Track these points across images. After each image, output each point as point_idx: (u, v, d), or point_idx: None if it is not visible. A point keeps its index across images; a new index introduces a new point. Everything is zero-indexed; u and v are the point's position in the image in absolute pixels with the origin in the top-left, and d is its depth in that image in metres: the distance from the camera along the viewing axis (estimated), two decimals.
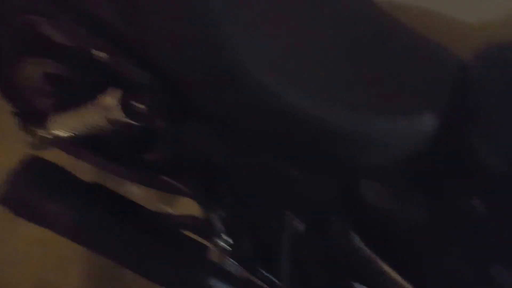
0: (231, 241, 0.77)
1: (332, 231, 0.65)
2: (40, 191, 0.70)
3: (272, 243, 0.77)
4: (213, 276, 0.75)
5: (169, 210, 1.01)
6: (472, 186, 0.50)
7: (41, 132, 0.77)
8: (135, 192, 0.94)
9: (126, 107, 0.53)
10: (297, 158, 0.55)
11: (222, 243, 0.78)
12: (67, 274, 1.17)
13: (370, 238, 0.64)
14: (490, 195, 0.48)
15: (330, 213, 0.63)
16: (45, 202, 0.68)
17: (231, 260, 0.80)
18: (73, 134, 0.72)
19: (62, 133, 0.74)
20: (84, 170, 0.88)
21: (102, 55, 0.54)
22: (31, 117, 0.84)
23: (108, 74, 0.55)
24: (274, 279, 0.81)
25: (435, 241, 0.56)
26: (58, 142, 0.80)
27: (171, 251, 0.74)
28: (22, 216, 0.71)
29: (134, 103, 0.52)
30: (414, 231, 0.59)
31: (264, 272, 0.81)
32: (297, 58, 0.48)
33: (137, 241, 0.72)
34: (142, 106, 0.51)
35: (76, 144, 0.84)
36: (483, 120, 0.47)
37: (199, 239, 0.81)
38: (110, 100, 0.54)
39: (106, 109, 0.55)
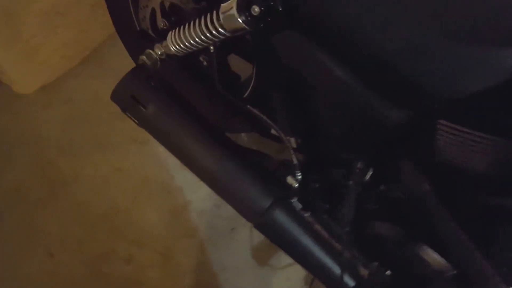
0: (301, 179, 0.88)
1: (403, 175, 0.71)
2: (142, 90, 0.87)
3: (339, 188, 0.86)
4: (279, 208, 0.85)
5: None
6: None
7: (156, 47, 0.95)
8: None
9: (242, 10, 0.67)
10: (383, 84, 0.65)
11: (293, 181, 0.89)
12: (137, 201, 1.39)
13: (442, 190, 0.69)
14: None
15: (401, 156, 0.71)
16: (145, 100, 0.85)
17: (298, 201, 0.91)
18: (180, 50, 0.89)
19: (172, 48, 0.91)
20: None
21: None
22: (150, 35, 1.05)
23: None
24: (335, 225, 0.90)
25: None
26: (165, 61, 0.99)
27: (247, 175, 0.85)
28: (125, 111, 0.90)
29: (250, 7, 0.66)
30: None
31: (326, 217, 0.90)
32: None
33: (215, 152, 0.85)
34: (256, 9, 0.66)
35: (178, 63, 1.02)
36: None
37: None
38: (230, 4, 0.69)
39: (224, 13, 0.70)
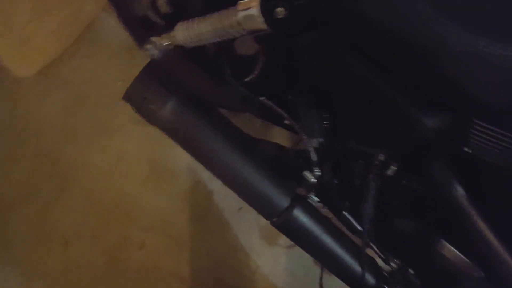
0: (319, 174, 0.84)
1: (432, 175, 0.67)
2: (156, 92, 0.81)
3: (359, 184, 0.82)
4: (297, 207, 0.81)
5: None
6: None
7: (163, 38, 0.87)
8: None
9: (265, 11, 0.59)
10: (415, 83, 0.59)
11: (310, 176, 0.85)
12: (146, 185, 1.35)
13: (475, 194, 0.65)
14: None
15: (433, 156, 0.66)
16: (158, 101, 0.79)
17: (316, 196, 0.87)
18: (191, 42, 0.81)
19: (181, 39, 0.84)
20: None
21: None
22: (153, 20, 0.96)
23: None
24: (355, 222, 0.87)
25: None
26: (173, 51, 0.91)
27: (265, 174, 0.80)
28: (138, 112, 0.83)
29: (274, 7, 0.59)
30: None
31: (346, 213, 0.87)
32: None
33: (231, 152, 0.80)
34: (282, 11, 0.58)
35: (187, 56, 0.94)
36: None
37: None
38: (250, 2, 0.61)
39: (244, 11, 0.62)
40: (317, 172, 0.82)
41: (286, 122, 0.85)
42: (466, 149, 0.60)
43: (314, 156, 0.80)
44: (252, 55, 1.02)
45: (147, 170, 1.39)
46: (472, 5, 0.53)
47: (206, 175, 1.42)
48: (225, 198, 1.40)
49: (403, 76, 0.60)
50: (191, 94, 0.83)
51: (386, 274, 0.82)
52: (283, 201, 0.79)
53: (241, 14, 0.63)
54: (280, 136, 1.24)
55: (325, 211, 0.89)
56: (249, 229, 1.36)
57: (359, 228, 0.84)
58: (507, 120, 0.56)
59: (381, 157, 0.76)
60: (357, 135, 0.78)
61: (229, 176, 0.80)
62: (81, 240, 1.29)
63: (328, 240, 0.80)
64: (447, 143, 0.63)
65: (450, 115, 0.62)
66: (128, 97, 0.78)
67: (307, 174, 0.84)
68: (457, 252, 0.72)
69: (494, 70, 0.52)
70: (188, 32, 0.80)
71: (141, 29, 1.04)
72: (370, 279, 0.80)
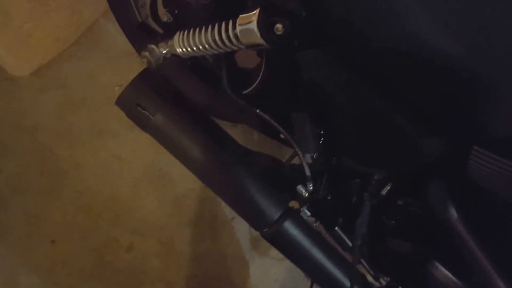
0: (312, 190, 0.83)
1: (428, 198, 0.67)
2: (149, 98, 0.80)
3: (353, 201, 0.82)
4: (288, 220, 0.80)
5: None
6: None
7: (161, 46, 0.86)
8: None
9: (263, 27, 0.59)
10: (420, 104, 0.59)
11: (303, 190, 0.84)
12: (138, 189, 1.34)
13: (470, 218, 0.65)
14: None
15: (431, 178, 0.66)
16: (150, 108, 0.78)
17: (309, 211, 0.86)
18: (189, 52, 0.80)
19: (178, 50, 0.83)
20: None
21: None
22: (152, 28, 0.96)
23: None
24: (346, 239, 0.86)
25: None
26: (171, 60, 0.90)
27: (256, 186, 0.79)
28: (131, 118, 0.82)
29: (273, 24, 0.58)
30: None
31: (337, 229, 0.86)
32: None
33: (224, 163, 0.78)
34: (280, 28, 0.57)
35: (185, 65, 0.94)
36: None
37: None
38: (250, 17, 0.60)
39: (242, 25, 0.61)
40: (310, 186, 0.82)
41: (282, 136, 0.84)
42: (464, 174, 0.60)
43: (307, 171, 0.79)
44: (253, 68, 1.02)
45: (139, 175, 1.37)
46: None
47: (200, 183, 1.40)
48: (218, 206, 1.39)
49: (404, 96, 0.59)
50: (186, 102, 0.81)
51: None
52: (274, 213, 0.77)
53: (240, 28, 0.63)
54: (277, 150, 1.24)
55: (317, 225, 0.88)
56: (241, 239, 1.35)
57: (350, 244, 0.83)
58: (507, 147, 0.56)
59: (377, 177, 0.76)
60: (355, 153, 0.77)
61: (219, 186, 0.80)
62: (69, 239, 1.28)
63: (317, 254, 0.79)
64: (445, 167, 0.63)
65: (449, 140, 0.61)
66: (121, 102, 0.77)
67: (300, 188, 0.84)
68: (449, 274, 0.72)
69: (496, 94, 0.51)
70: (186, 42, 0.79)
71: (140, 35, 1.03)
72: None
